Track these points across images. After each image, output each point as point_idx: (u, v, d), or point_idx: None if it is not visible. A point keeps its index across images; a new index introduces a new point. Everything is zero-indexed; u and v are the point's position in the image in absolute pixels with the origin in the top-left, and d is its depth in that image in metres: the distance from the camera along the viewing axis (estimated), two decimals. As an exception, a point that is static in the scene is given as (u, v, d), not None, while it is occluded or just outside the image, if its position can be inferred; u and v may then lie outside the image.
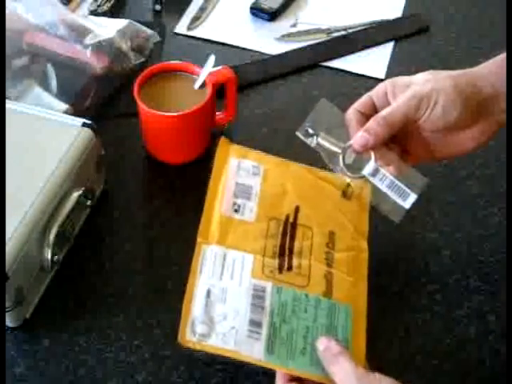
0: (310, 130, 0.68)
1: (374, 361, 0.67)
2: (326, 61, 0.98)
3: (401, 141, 0.67)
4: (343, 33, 1.02)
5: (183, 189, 0.82)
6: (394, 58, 0.98)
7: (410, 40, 1.01)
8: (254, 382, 0.66)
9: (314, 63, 0.98)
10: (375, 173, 0.65)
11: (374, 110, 0.67)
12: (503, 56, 0.65)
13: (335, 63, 0.98)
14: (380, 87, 0.67)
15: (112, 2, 1.03)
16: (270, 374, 0.66)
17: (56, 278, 0.73)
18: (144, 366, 0.67)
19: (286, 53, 0.99)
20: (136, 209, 0.80)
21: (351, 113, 0.67)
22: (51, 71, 0.88)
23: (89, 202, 0.75)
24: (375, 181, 0.66)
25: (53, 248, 0.69)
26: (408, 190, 0.65)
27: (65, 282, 0.73)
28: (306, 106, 0.92)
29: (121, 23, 0.94)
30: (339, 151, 0.67)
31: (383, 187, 0.66)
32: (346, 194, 0.68)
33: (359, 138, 0.64)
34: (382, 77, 0.95)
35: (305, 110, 0.92)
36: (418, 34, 1.02)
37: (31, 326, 0.69)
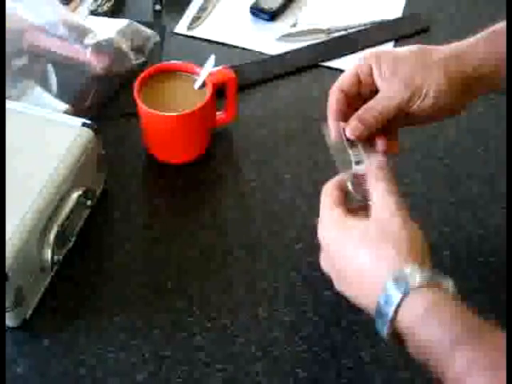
0: None
1: (374, 360, 0.67)
2: (325, 61, 0.98)
3: None
4: (343, 33, 1.02)
5: (183, 189, 0.82)
6: (394, 58, 0.98)
7: (410, 40, 1.01)
8: (254, 381, 0.66)
9: (314, 63, 0.98)
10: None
11: (358, 89, 0.67)
12: (491, 31, 0.67)
13: (335, 63, 0.98)
14: (365, 65, 0.66)
15: (112, 2, 1.03)
16: (270, 374, 0.66)
17: (56, 277, 0.73)
18: (144, 365, 0.67)
19: (286, 53, 0.99)
20: (136, 209, 0.80)
21: (335, 95, 0.67)
22: (51, 71, 0.88)
23: (89, 202, 0.75)
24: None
25: (53, 248, 0.69)
26: None
27: (65, 282, 0.73)
28: (306, 106, 0.93)
29: (121, 23, 0.94)
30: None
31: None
32: None
33: (354, 127, 0.64)
34: (382, 77, 0.95)
35: (305, 110, 0.92)
36: (417, 34, 1.02)
37: (31, 326, 0.69)
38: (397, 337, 0.53)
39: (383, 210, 0.57)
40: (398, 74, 0.64)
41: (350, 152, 0.65)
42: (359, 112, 0.65)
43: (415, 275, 0.52)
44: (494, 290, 0.72)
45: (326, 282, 0.71)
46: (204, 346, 0.68)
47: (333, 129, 0.67)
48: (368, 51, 0.67)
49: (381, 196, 0.58)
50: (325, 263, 0.60)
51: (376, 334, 0.54)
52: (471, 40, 0.66)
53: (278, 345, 0.68)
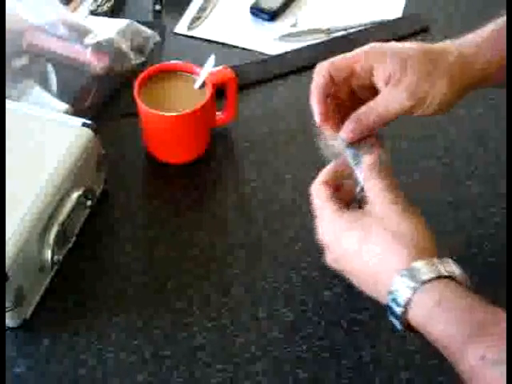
0: None
1: (374, 360, 0.67)
2: (325, 61, 0.98)
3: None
4: (343, 33, 1.02)
5: (183, 189, 0.82)
6: (393, 58, 0.98)
7: (410, 40, 1.01)
8: (254, 382, 0.66)
9: (313, 63, 0.97)
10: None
11: (347, 79, 0.65)
12: (492, 30, 0.65)
13: (335, 63, 0.98)
14: (365, 63, 0.63)
15: (112, 2, 1.03)
16: (270, 374, 0.66)
17: (56, 277, 0.73)
18: (144, 365, 0.67)
19: (286, 53, 0.99)
20: (136, 209, 0.80)
21: (323, 76, 0.66)
22: (51, 71, 0.88)
23: (89, 202, 0.75)
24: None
25: (53, 248, 0.69)
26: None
27: (65, 281, 0.73)
28: (306, 106, 0.93)
29: (121, 23, 0.94)
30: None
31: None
32: None
33: (352, 129, 0.63)
34: (382, 77, 0.95)
35: (305, 110, 0.92)
36: (417, 34, 1.02)
37: (31, 326, 0.69)
38: (412, 330, 0.53)
39: (380, 209, 0.57)
40: (403, 83, 0.62)
41: (347, 153, 0.64)
42: (358, 113, 0.63)
43: (422, 271, 0.52)
44: (494, 290, 0.72)
45: (326, 282, 0.72)
46: (204, 346, 0.68)
47: (315, 110, 0.66)
48: (370, 46, 0.64)
49: (376, 195, 0.58)
50: (333, 263, 0.60)
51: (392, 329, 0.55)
52: (476, 39, 0.64)
53: (278, 345, 0.68)
